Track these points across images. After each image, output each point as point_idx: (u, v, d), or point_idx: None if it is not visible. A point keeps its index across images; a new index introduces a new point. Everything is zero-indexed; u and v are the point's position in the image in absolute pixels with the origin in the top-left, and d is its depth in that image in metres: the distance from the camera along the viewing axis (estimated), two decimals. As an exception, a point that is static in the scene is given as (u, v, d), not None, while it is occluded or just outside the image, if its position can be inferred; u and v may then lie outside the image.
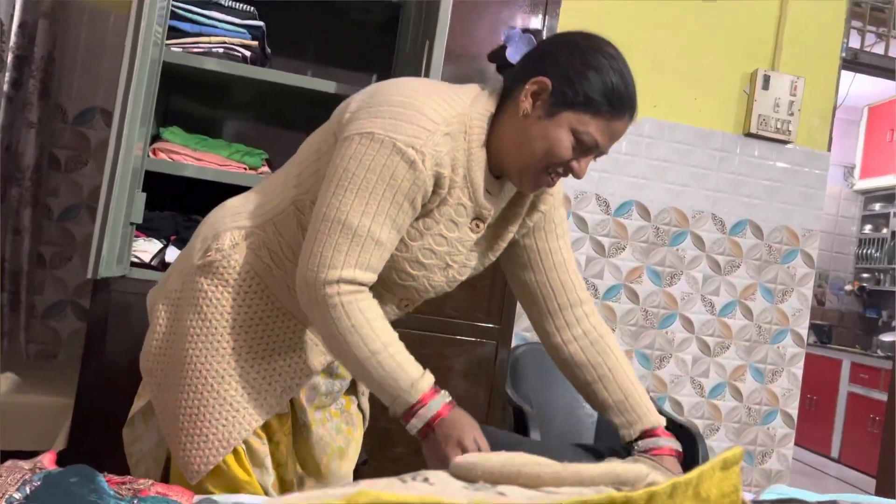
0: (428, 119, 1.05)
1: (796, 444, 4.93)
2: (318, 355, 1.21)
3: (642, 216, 2.80)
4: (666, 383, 2.81)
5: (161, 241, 2.03)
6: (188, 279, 1.20)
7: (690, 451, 2.32)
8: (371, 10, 2.30)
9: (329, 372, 1.27)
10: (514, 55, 1.14)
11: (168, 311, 1.22)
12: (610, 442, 1.30)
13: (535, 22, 2.16)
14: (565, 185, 2.73)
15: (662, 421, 1.25)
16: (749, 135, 2.85)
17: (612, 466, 0.72)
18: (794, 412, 2.91)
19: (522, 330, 2.77)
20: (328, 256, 1.04)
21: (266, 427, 1.18)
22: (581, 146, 1.09)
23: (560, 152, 1.08)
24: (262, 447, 1.18)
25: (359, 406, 1.39)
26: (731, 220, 2.85)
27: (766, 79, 2.83)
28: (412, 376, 1.05)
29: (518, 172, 1.13)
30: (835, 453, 5.56)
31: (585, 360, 1.27)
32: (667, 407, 2.79)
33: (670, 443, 1.22)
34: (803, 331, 2.91)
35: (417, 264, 1.15)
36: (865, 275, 6.28)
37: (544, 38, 1.16)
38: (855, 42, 3.09)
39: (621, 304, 2.79)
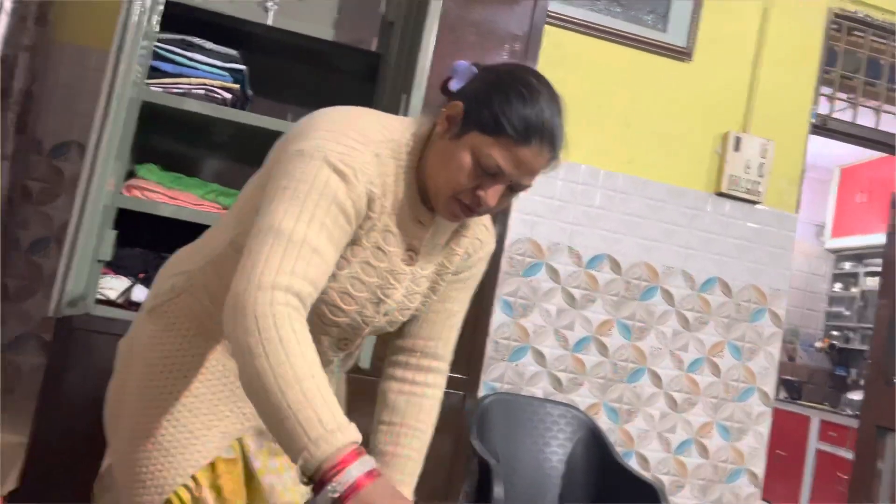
0: (355, 140, 1.04)
1: (764, 499, 4.91)
2: None
3: (613, 270, 2.83)
4: (633, 438, 2.81)
5: (129, 279, 2.02)
6: (139, 325, 1.23)
7: (654, 508, 2.31)
8: (352, 58, 2.34)
9: None
10: (455, 86, 1.12)
11: (123, 357, 1.23)
12: (573, 498, 1.29)
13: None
14: (539, 235, 2.78)
15: None
16: (720, 194, 2.91)
17: None
18: (760, 471, 2.91)
19: (491, 380, 2.76)
20: (261, 263, 0.94)
21: (211, 469, 1.15)
22: (482, 170, 1.05)
23: (458, 175, 1.05)
24: (202, 495, 1.14)
25: None
26: (701, 277, 2.89)
27: (738, 141, 2.90)
28: (338, 420, 0.87)
29: (433, 197, 1.10)
30: (803, 511, 5.55)
31: (403, 408, 1.26)
32: (633, 462, 2.78)
33: None
34: (770, 389, 2.94)
35: (347, 296, 1.12)
36: (835, 332, 6.35)
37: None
38: (825, 107, 3.18)
39: (590, 356, 2.80)
